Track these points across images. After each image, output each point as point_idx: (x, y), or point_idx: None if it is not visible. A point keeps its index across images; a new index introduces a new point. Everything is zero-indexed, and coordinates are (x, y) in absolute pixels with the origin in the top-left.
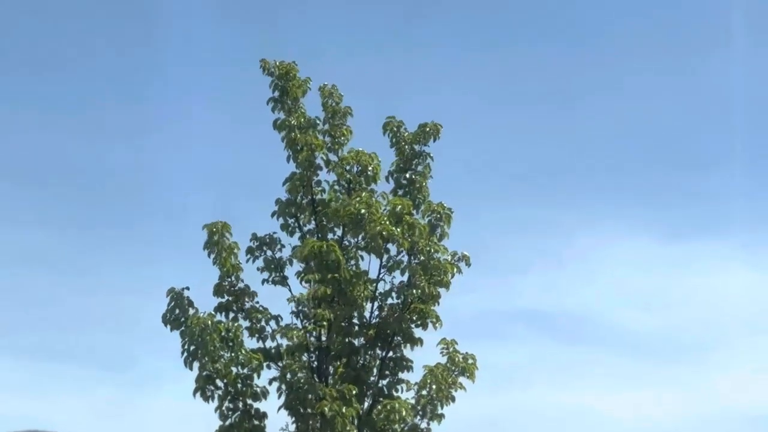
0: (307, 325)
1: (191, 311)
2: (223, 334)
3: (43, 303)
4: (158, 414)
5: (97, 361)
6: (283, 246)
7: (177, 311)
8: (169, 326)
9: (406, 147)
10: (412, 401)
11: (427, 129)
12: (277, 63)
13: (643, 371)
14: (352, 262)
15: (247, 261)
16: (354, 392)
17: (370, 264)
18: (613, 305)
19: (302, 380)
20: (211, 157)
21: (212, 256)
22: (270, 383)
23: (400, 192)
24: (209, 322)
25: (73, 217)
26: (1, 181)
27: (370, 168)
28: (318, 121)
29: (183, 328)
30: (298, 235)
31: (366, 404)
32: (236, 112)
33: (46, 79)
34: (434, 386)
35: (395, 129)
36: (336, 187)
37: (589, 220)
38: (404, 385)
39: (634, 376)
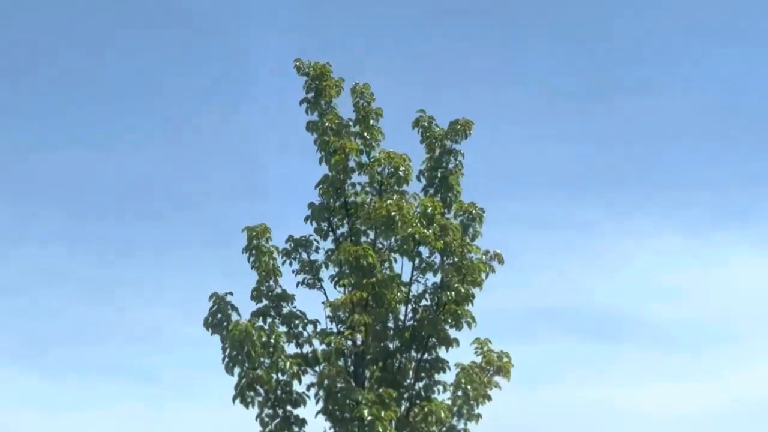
0: (343, 329)
1: (234, 316)
2: (263, 339)
3: (66, 318)
4: (188, 424)
5: (125, 374)
6: (318, 249)
7: (219, 315)
8: (210, 330)
9: (437, 144)
10: (448, 402)
11: (458, 126)
12: (312, 64)
13: (672, 364)
14: (385, 264)
15: (283, 263)
16: (393, 396)
17: (403, 266)
18: (639, 299)
19: (340, 385)
20: (241, 161)
21: (251, 259)
22: (308, 389)
23: (431, 191)
24: (251, 328)
25: (94, 233)
26: (21, 200)
27: (401, 169)
28: (350, 122)
29: (224, 333)
30: (331, 238)
31: (403, 407)
32: (268, 113)
33: (62, 96)
34: (469, 386)
35: (426, 125)
36: (367, 189)
37: (613, 216)
38: (440, 387)
39: (663, 370)
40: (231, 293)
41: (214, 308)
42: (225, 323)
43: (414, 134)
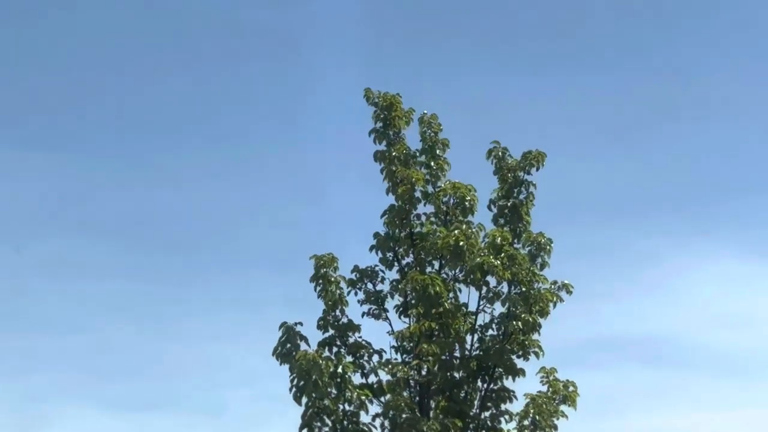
0: (409, 359)
1: (303, 346)
2: (331, 369)
3: (129, 353)
4: None
5: (190, 407)
6: (383, 279)
7: (288, 345)
8: (279, 360)
9: (510, 174)
10: None
11: (531, 157)
12: (381, 94)
13: (736, 391)
14: (451, 294)
15: (349, 293)
16: (459, 425)
17: (469, 296)
18: (701, 326)
19: (405, 416)
20: (307, 190)
21: (318, 288)
22: (374, 419)
23: (501, 221)
24: (318, 358)
25: (158, 267)
26: (82, 234)
27: (467, 199)
28: (417, 153)
29: (293, 362)
30: (396, 268)
31: None
32: (334, 142)
33: (122, 132)
34: (537, 416)
35: (500, 155)
36: (432, 219)
37: (673, 243)
38: (507, 417)
39: (727, 397)
40: (300, 323)
41: (284, 338)
42: (294, 353)
43: (482, 164)
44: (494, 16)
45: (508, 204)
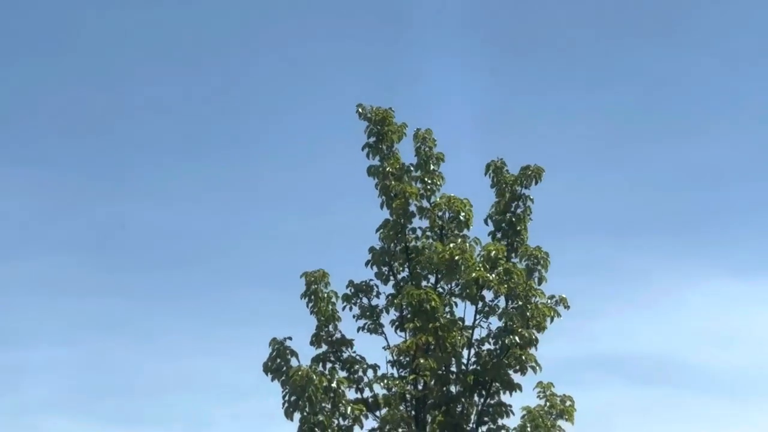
0: (405, 374)
1: (293, 361)
2: (325, 384)
3: (120, 368)
4: None
5: (176, 423)
6: (379, 293)
7: (279, 360)
8: (270, 375)
9: (507, 189)
10: None
11: (529, 172)
12: (374, 108)
13: (726, 410)
14: (447, 309)
15: (344, 308)
16: None
17: (465, 310)
18: (691, 345)
19: (401, 430)
20: (303, 206)
21: (310, 305)
22: None
23: (499, 235)
24: (312, 374)
25: (151, 283)
26: (72, 252)
27: (462, 214)
28: (411, 167)
29: (284, 378)
30: (392, 283)
31: None
32: (325, 158)
33: (112, 146)
34: (534, 430)
35: (497, 170)
36: (428, 234)
37: (665, 262)
38: (504, 431)
39: (717, 416)
40: (290, 338)
41: (274, 353)
42: (284, 368)
43: (479, 178)
44: (494, 33)
45: (506, 218)
